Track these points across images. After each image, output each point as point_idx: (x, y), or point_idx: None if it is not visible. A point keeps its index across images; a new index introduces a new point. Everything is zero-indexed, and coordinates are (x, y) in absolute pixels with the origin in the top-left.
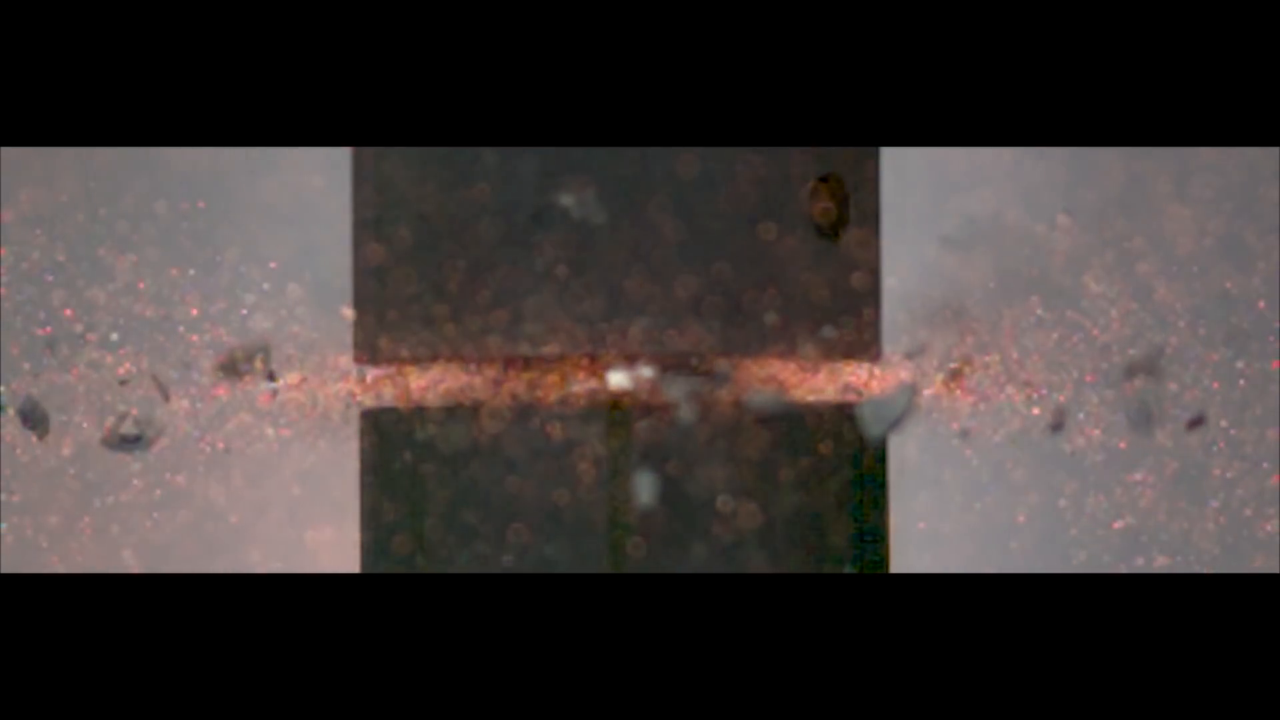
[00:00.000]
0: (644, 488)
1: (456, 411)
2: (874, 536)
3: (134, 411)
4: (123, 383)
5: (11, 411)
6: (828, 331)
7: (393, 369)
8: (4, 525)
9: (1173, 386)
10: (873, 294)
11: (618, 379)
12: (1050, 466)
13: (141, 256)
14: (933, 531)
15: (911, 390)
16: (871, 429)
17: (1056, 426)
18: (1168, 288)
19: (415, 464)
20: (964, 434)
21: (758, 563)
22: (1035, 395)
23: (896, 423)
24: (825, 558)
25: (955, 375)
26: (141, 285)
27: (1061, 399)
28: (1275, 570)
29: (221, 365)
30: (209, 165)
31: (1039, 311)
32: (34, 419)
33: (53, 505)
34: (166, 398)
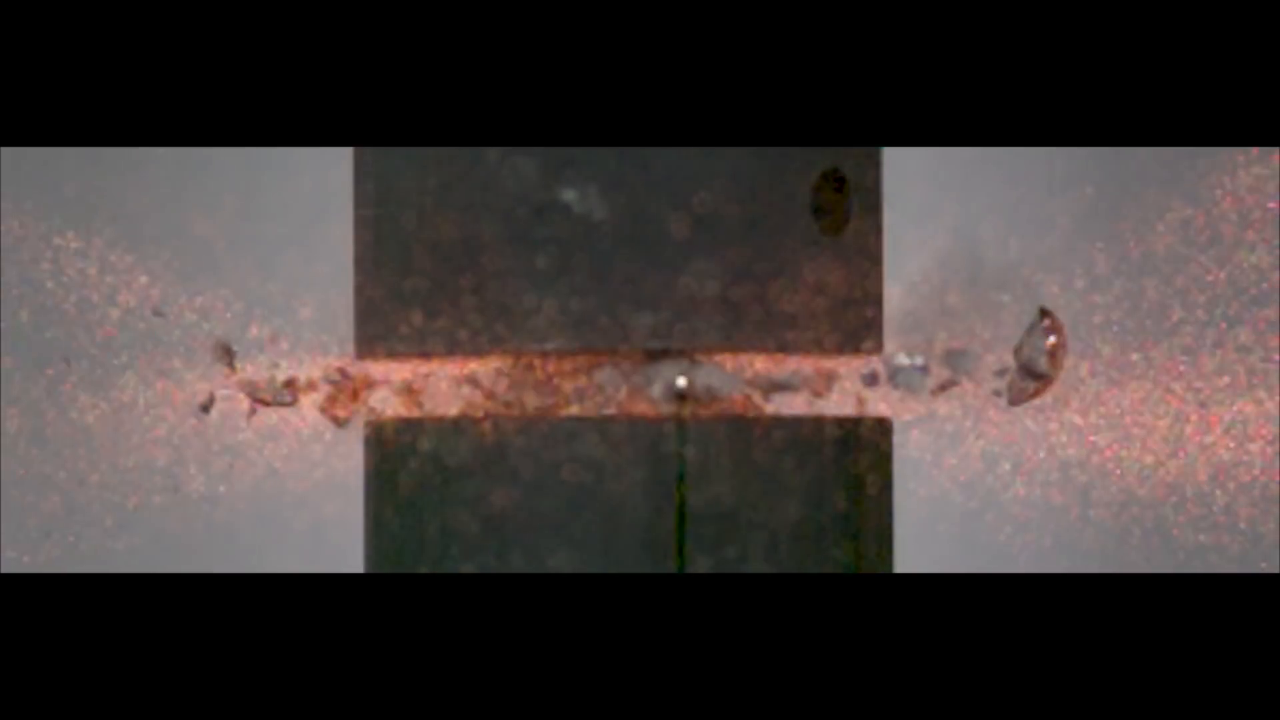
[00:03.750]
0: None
1: (461, 418)
2: (878, 537)
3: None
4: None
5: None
6: (830, 327)
7: (394, 371)
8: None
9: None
10: (876, 290)
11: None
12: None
13: (136, 252)
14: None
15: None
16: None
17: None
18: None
19: (418, 468)
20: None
21: (759, 564)
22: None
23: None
24: (828, 559)
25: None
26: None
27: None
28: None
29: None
30: (207, 165)
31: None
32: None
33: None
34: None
